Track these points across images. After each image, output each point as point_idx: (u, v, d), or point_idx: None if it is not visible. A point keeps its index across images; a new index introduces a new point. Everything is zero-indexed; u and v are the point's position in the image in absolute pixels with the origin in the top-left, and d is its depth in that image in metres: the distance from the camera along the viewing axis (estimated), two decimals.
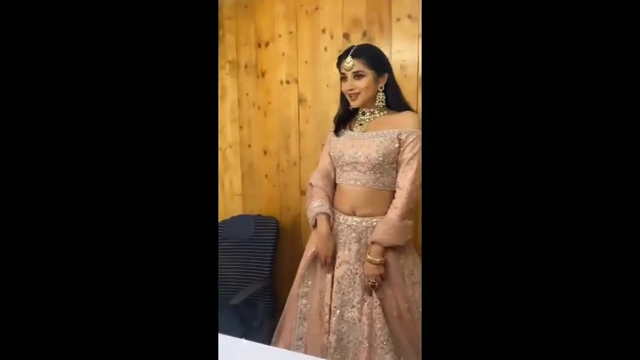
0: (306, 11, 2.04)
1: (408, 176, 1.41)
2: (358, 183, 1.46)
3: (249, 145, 2.31)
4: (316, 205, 1.50)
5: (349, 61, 1.43)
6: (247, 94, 2.26)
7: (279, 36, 2.12)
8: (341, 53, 1.47)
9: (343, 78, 1.46)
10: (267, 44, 2.17)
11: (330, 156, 1.56)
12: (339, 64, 1.47)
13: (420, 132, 1.41)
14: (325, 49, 2.02)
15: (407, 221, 1.42)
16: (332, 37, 1.99)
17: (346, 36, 1.96)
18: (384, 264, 1.42)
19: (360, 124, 1.52)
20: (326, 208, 1.49)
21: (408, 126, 1.43)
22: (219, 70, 2.32)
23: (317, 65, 2.05)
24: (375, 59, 1.45)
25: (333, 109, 2.00)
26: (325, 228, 1.47)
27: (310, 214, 1.51)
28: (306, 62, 2.08)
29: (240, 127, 2.31)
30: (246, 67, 2.24)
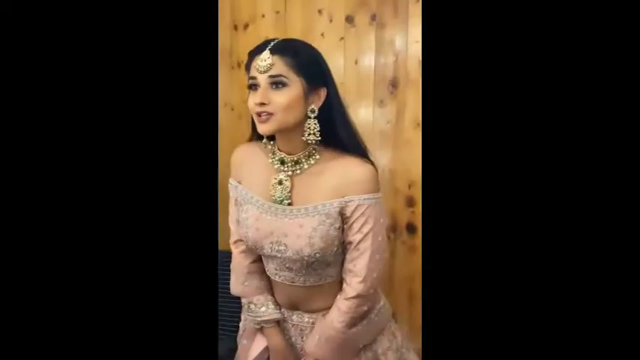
0: None
1: (358, 269, 1.02)
2: (292, 282, 1.09)
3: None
4: (257, 307, 1.13)
5: (266, 57, 0.97)
6: (218, 89, 2.03)
7: (263, 16, 1.94)
8: (252, 49, 1.05)
9: (252, 86, 1.01)
10: (246, 26, 2.00)
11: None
12: (248, 65, 1.04)
13: (376, 197, 1.03)
14: (322, 35, 1.81)
15: (359, 326, 1.05)
16: (331, 21, 1.80)
17: (349, 19, 1.76)
18: None
19: (280, 184, 1.05)
20: (272, 311, 1.12)
21: (355, 189, 1.01)
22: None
23: None
24: (307, 60, 1.01)
25: None
26: (279, 342, 1.12)
27: (251, 320, 1.15)
28: None
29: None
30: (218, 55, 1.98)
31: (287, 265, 1.06)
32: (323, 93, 1.02)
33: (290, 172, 1.05)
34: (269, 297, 1.13)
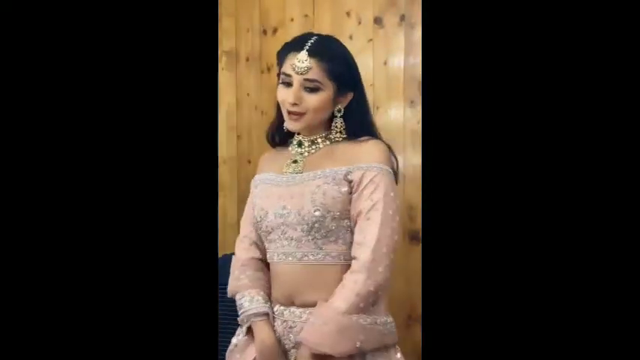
0: None
1: (368, 239, 0.98)
2: (291, 259, 1.04)
3: (249, 161, 2.12)
4: (247, 302, 1.08)
5: (304, 59, 1.02)
6: (248, 94, 2.11)
7: (291, 20, 1.95)
8: (290, 42, 1.09)
9: (285, 82, 1.05)
10: (275, 31, 2.01)
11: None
12: (282, 59, 1.07)
13: (385, 167, 1.04)
14: (350, 37, 1.80)
15: (360, 318, 0.97)
16: (359, 23, 1.80)
17: (378, 20, 1.76)
18: None
19: (294, 162, 1.11)
20: (260, 305, 1.07)
21: (364, 158, 1.03)
22: None
23: None
24: (342, 66, 1.06)
25: None
26: (268, 336, 1.05)
27: (241, 316, 1.10)
28: None
29: (239, 137, 2.15)
30: (247, 59, 2.09)
31: (287, 235, 1.04)
32: (350, 96, 1.09)
33: (306, 153, 1.11)
34: (260, 292, 1.10)
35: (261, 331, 1.05)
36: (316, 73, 1.02)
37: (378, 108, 1.76)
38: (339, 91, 1.06)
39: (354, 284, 0.97)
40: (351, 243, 1.03)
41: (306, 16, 1.90)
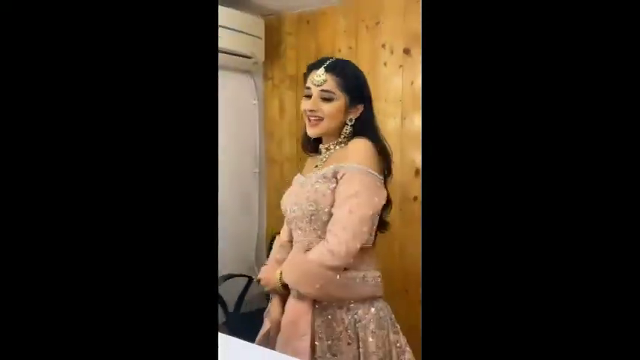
0: (367, 26, 2.12)
1: (336, 227, 1.09)
2: (300, 245, 1.20)
3: None
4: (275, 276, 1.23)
5: (321, 74, 1.16)
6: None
7: (339, 51, 2.20)
8: (312, 62, 1.24)
9: (307, 95, 1.19)
10: None
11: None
12: (306, 77, 1.22)
13: (364, 167, 1.12)
14: (385, 64, 2.08)
15: (325, 268, 1.08)
16: (392, 52, 2.05)
17: (407, 51, 2.02)
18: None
19: (316, 166, 1.25)
20: (279, 283, 1.23)
21: (351, 157, 1.13)
22: (279, 85, 2.44)
23: (376, 80, 2.10)
24: (353, 82, 1.18)
25: (392, 124, 2.04)
26: (277, 312, 1.22)
27: (266, 288, 1.29)
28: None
29: (298, 141, 2.24)
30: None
31: (299, 225, 1.19)
32: (360, 108, 1.21)
33: (324, 159, 1.23)
34: None
35: (275, 307, 1.23)
36: (330, 85, 1.15)
37: (405, 118, 2.02)
38: (350, 102, 1.17)
39: (324, 248, 1.09)
40: None
41: (350, 47, 2.15)
